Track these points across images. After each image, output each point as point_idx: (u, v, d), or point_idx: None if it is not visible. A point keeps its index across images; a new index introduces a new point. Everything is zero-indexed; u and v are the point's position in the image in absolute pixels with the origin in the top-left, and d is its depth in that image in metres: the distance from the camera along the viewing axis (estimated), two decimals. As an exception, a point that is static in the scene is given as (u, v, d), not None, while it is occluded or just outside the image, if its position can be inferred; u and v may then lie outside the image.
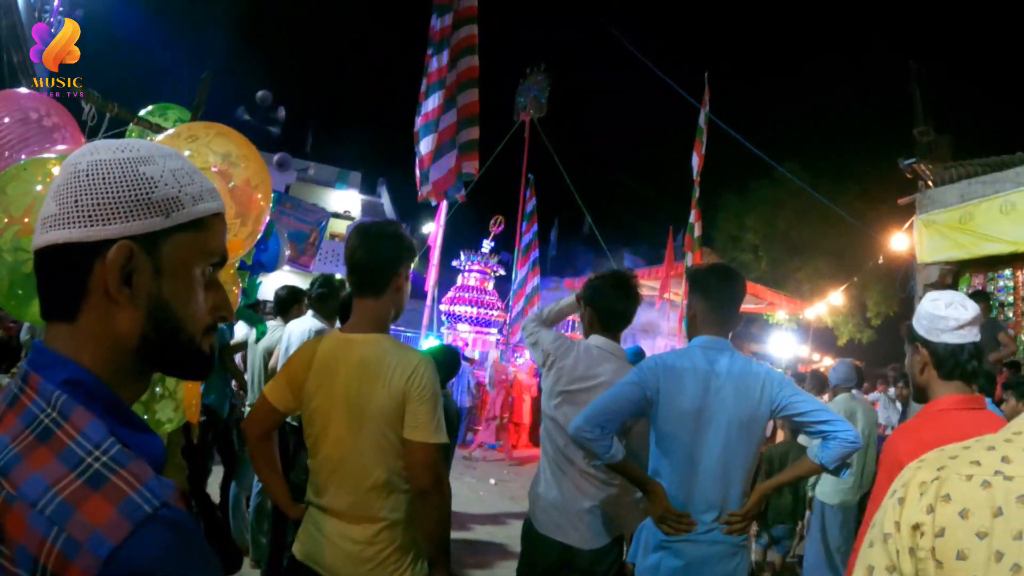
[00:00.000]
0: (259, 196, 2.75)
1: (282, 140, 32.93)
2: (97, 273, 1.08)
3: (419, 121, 13.81)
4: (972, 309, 2.64)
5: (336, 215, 23.94)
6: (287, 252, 5.89)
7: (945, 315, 2.62)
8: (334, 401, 2.85)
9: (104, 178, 1.09)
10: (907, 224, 11.76)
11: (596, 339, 3.84)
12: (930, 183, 11.13)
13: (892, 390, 12.41)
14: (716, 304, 3.37)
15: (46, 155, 2.63)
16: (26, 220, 2.32)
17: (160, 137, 2.71)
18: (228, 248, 2.65)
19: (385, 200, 32.63)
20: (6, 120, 2.96)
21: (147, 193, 1.11)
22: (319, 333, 5.11)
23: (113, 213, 1.08)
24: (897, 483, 1.21)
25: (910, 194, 11.59)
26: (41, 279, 1.13)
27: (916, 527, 1.13)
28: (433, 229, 16.06)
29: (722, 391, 3.20)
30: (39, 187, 2.36)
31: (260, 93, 33.20)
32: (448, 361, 5.52)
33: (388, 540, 2.84)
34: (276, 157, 29.53)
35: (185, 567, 0.96)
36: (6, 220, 2.32)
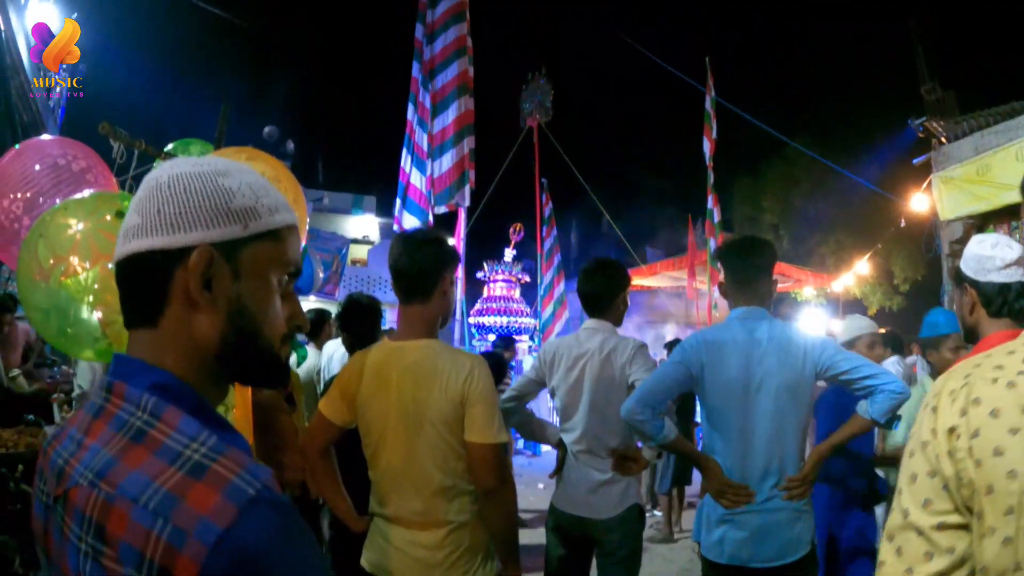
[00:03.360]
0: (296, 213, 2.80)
1: (294, 173, 33.04)
2: (179, 279, 1.12)
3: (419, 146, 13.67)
4: (1018, 249, 2.68)
5: (355, 241, 24.03)
6: (320, 275, 5.95)
7: (992, 255, 2.67)
8: (390, 409, 2.87)
9: (185, 188, 1.14)
10: (925, 184, 11.71)
11: (585, 323, 4.08)
12: (943, 139, 11.08)
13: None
14: (743, 275, 3.50)
15: (81, 195, 2.70)
16: (72, 259, 2.38)
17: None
18: None
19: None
20: (36, 168, 3.03)
21: (226, 203, 1.15)
22: None
23: (194, 221, 1.12)
24: (929, 395, 1.26)
25: (924, 154, 11.55)
26: (124, 288, 1.17)
27: (952, 430, 1.18)
28: (453, 242, 16.06)
29: (766, 359, 3.27)
30: (80, 224, 2.42)
31: (267, 129, 33.18)
32: (494, 366, 5.55)
33: (456, 543, 2.86)
34: (290, 191, 29.66)
35: (291, 545, 0.99)
36: (52, 261, 2.38)
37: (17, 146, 3.21)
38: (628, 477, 3.86)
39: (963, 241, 10.49)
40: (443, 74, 13.38)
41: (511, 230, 21.83)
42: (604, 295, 4.02)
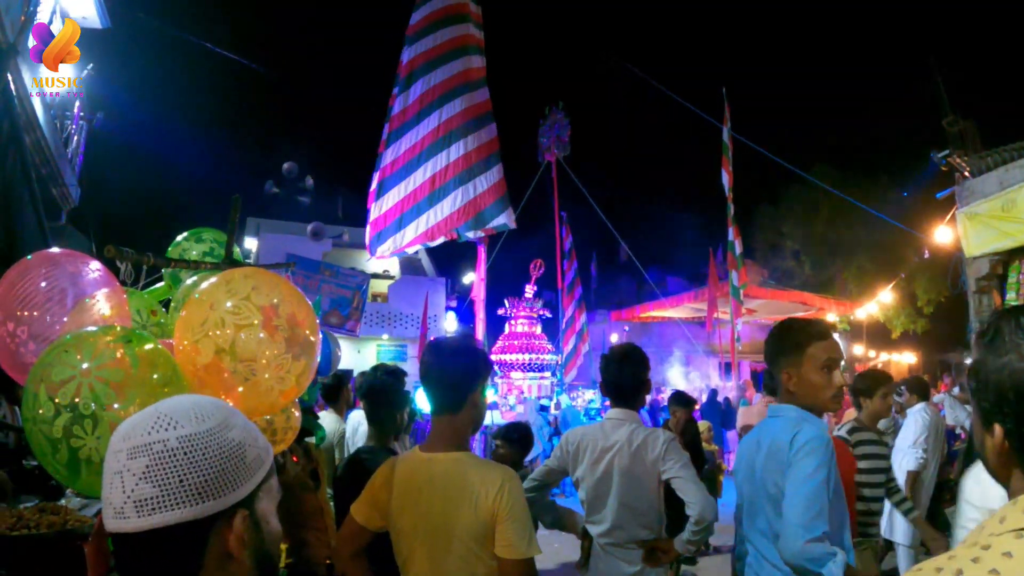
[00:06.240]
0: (307, 332, 2.74)
1: (313, 209, 33.14)
2: (215, 542, 1.15)
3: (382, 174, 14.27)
4: None
5: (376, 276, 24.03)
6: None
7: None
8: (419, 522, 2.84)
9: (203, 453, 1.14)
10: (949, 216, 11.58)
11: (609, 412, 4.02)
12: (967, 173, 10.93)
13: (956, 389, 12.11)
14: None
15: (88, 330, 2.64)
16: (77, 399, 2.32)
17: (204, 285, 2.69)
18: (287, 394, 2.62)
19: (423, 255, 32.62)
20: (43, 285, 2.97)
21: (242, 458, 1.19)
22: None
23: (223, 486, 1.15)
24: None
25: (947, 186, 11.40)
26: (143, 559, 1.15)
27: None
28: (475, 279, 16.08)
29: (758, 457, 3.15)
30: (85, 365, 2.37)
31: (286, 165, 33.35)
32: (521, 439, 5.48)
33: None
34: (310, 227, 29.63)
35: None
36: (55, 402, 2.32)
37: (30, 256, 3.15)
38: (658, 568, 3.80)
39: (990, 278, 10.37)
40: (412, 132, 13.82)
41: (532, 266, 21.76)
42: (629, 384, 3.96)
